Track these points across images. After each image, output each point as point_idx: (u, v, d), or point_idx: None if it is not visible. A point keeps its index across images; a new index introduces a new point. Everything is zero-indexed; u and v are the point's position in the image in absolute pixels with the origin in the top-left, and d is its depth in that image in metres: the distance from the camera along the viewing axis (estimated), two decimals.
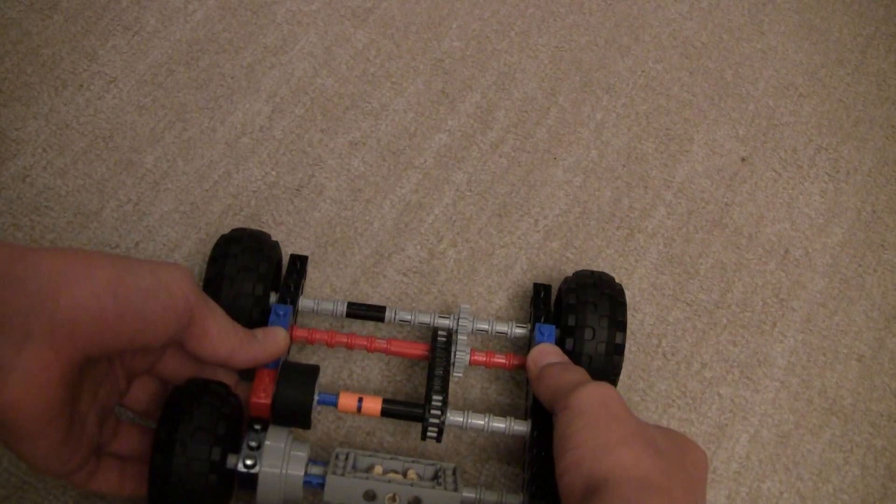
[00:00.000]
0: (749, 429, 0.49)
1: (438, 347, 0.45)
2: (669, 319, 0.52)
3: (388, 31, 0.59)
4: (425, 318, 0.46)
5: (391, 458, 0.42)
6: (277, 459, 0.39)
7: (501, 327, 0.46)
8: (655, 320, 0.52)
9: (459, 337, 0.45)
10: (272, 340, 0.41)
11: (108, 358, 0.38)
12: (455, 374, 0.44)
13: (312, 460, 0.41)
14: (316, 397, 0.41)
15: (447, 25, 0.60)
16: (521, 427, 0.42)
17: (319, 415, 0.47)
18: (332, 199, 0.53)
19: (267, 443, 0.39)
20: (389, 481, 0.40)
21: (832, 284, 0.55)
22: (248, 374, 0.42)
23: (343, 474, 0.39)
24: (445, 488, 0.40)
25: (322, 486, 0.39)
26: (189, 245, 0.50)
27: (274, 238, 0.46)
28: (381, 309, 0.46)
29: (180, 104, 0.54)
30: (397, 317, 0.46)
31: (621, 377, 0.50)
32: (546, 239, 0.53)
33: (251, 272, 0.43)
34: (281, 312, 0.43)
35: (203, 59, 0.56)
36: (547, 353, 0.42)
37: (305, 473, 0.40)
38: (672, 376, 0.50)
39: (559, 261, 0.52)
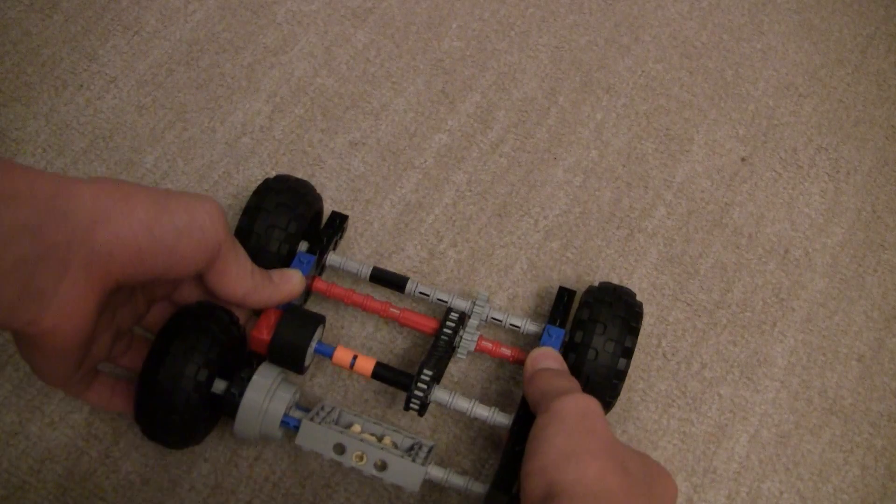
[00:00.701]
0: (749, 429, 0.49)
1: (447, 326, 0.45)
2: (669, 319, 0.52)
3: (388, 31, 0.59)
4: (444, 297, 0.46)
5: (374, 423, 0.42)
6: (261, 393, 0.40)
7: (516, 321, 0.46)
8: (655, 320, 0.52)
9: (471, 321, 0.46)
10: (286, 282, 0.42)
11: (133, 285, 0.39)
12: (458, 355, 0.45)
13: (299, 406, 0.42)
14: (314, 344, 0.42)
15: (447, 25, 0.60)
16: (503, 419, 0.42)
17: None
18: (332, 198, 0.53)
19: (255, 376, 0.41)
20: (361, 440, 0.40)
21: (832, 284, 0.55)
22: (260, 311, 0.43)
23: (320, 423, 0.40)
24: (414, 460, 0.40)
25: (297, 428, 0.40)
26: None
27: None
28: (404, 279, 0.47)
29: (180, 104, 0.54)
30: (417, 289, 0.47)
31: None
32: (546, 239, 0.53)
33: (289, 210, 0.44)
34: (304, 260, 0.45)
35: (203, 59, 0.56)
36: (545, 357, 0.42)
37: (285, 413, 0.41)
38: (672, 376, 0.50)
39: (559, 261, 0.52)
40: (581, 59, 0.60)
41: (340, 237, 0.50)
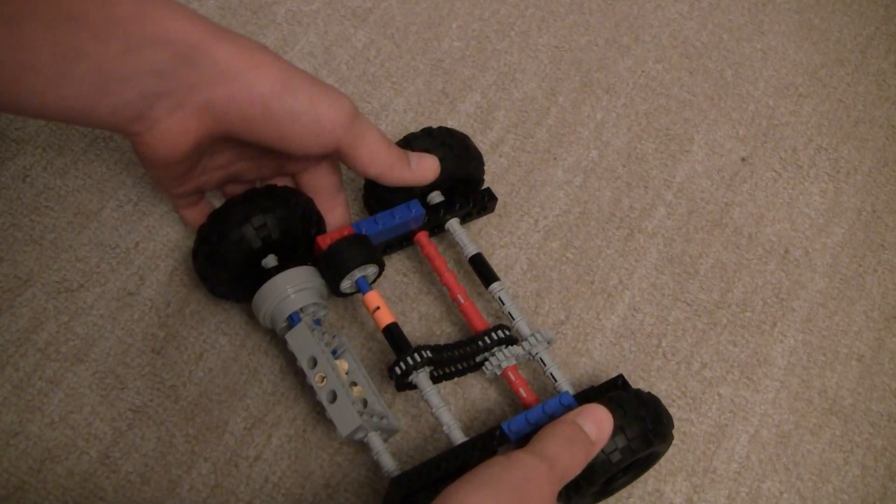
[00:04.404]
0: (749, 429, 0.49)
1: (489, 336, 0.44)
2: (669, 319, 0.52)
3: (388, 31, 0.59)
4: (515, 313, 0.46)
5: (364, 376, 0.43)
6: (292, 282, 0.43)
7: (557, 374, 0.44)
8: (655, 320, 0.52)
9: (514, 348, 0.44)
10: (421, 167, 0.45)
11: (260, 148, 0.42)
12: (485, 372, 0.45)
13: (317, 320, 0.44)
14: (357, 274, 0.44)
15: (447, 25, 0.60)
16: (456, 435, 0.41)
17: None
18: None
19: (298, 268, 0.43)
20: (334, 368, 0.41)
21: (832, 284, 0.55)
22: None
23: (313, 332, 0.42)
24: (362, 409, 0.41)
25: (291, 327, 0.42)
26: (189, 245, 0.49)
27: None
28: (495, 278, 0.47)
29: None
30: (500, 293, 0.46)
31: None
32: (546, 239, 0.53)
33: (448, 150, 0.47)
34: (412, 208, 0.46)
35: None
36: (594, 420, 0.39)
37: (299, 310, 0.43)
38: (672, 376, 0.50)
39: (559, 261, 0.52)
40: (581, 59, 0.60)
41: (475, 212, 0.50)
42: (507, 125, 0.57)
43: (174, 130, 0.39)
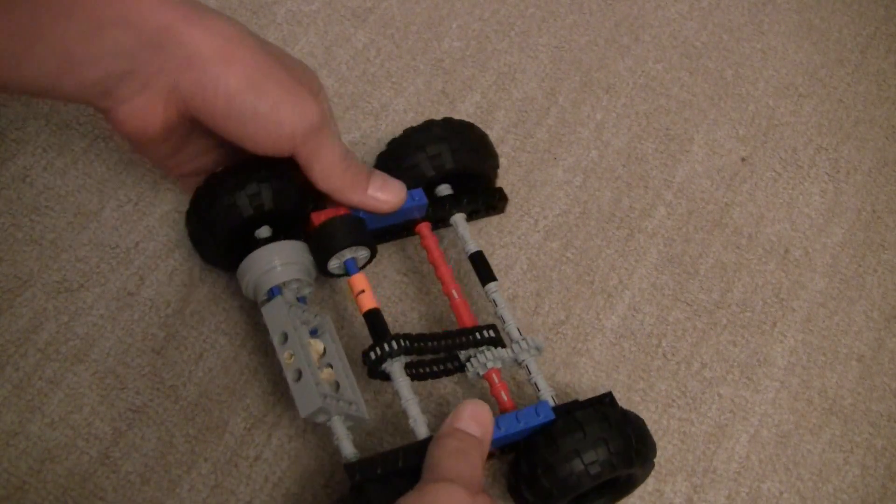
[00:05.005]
0: (749, 429, 0.49)
1: (474, 333, 0.43)
2: (669, 319, 0.52)
3: (388, 31, 0.59)
4: (508, 317, 0.44)
5: (339, 359, 0.42)
6: (279, 255, 0.43)
7: (541, 384, 0.43)
8: (655, 320, 0.52)
9: (500, 350, 0.43)
10: (383, 194, 0.44)
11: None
12: (469, 374, 0.43)
13: (301, 298, 0.43)
14: (347, 255, 0.43)
15: (447, 25, 0.60)
16: (421, 430, 0.40)
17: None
18: None
19: (287, 241, 0.43)
20: (304, 347, 0.40)
21: (832, 284, 0.55)
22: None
23: (290, 308, 0.41)
24: (327, 394, 0.40)
25: (269, 300, 0.42)
26: (189, 245, 0.49)
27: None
28: (493, 278, 0.46)
29: None
30: (493, 293, 0.45)
31: (621, 377, 0.50)
32: (546, 239, 0.53)
33: (448, 144, 0.46)
34: (416, 197, 0.45)
35: None
36: (473, 419, 0.39)
37: (281, 284, 0.42)
38: (672, 376, 0.50)
39: (559, 261, 0.52)
40: (581, 59, 0.60)
41: (484, 210, 0.49)
42: (507, 125, 0.57)
43: (142, 110, 0.39)
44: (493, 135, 0.56)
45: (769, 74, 0.62)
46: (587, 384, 0.49)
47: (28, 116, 0.52)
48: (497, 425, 0.40)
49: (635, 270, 0.53)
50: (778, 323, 0.53)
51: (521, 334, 0.44)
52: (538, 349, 0.43)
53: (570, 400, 0.43)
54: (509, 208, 0.53)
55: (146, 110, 0.39)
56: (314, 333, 0.43)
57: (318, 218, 0.44)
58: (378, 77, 0.57)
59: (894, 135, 0.61)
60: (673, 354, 0.51)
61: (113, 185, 0.51)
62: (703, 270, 0.54)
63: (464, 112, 0.56)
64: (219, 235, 0.43)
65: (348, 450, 0.40)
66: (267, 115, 0.39)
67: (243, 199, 0.42)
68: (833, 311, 0.54)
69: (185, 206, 0.51)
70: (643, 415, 0.49)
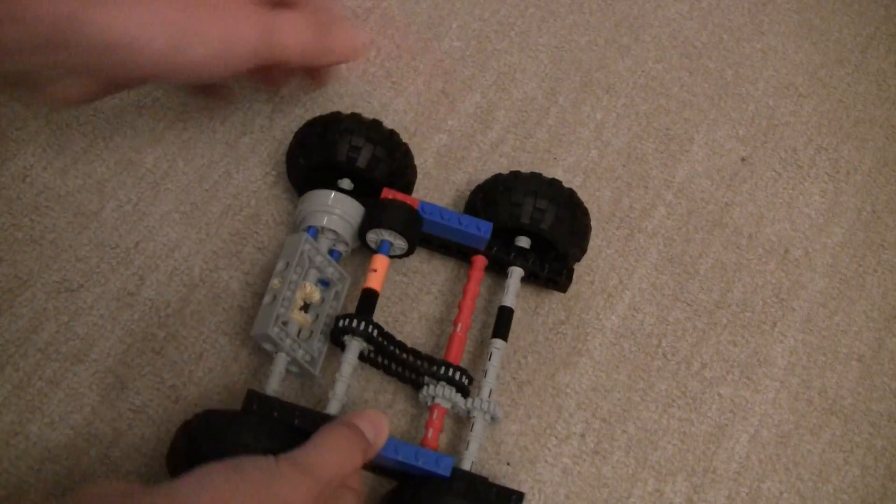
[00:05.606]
0: (749, 429, 0.49)
1: (439, 368, 0.43)
2: (669, 319, 0.52)
3: (388, 31, 0.59)
4: (491, 376, 0.44)
5: (334, 311, 0.45)
6: (334, 204, 0.46)
7: (473, 446, 0.43)
8: (655, 320, 0.52)
9: (456, 396, 0.43)
10: (337, 40, 0.44)
11: None
12: (421, 394, 0.44)
13: (335, 253, 0.46)
14: (384, 237, 0.46)
15: (447, 25, 0.60)
16: (333, 407, 0.42)
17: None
18: None
19: (350, 197, 0.46)
20: (293, 282, 0.43)
21: (832, 284, 0.55)
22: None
23: (309, 247, 0.43)
24: (285, 330, 0.42)
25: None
26: (189, 245, 0.49)
27: (278, 237, 0.46)
28: (503, 336, 0.46)
29: (180, 104, 0.54)
30: (492, 348, 0.45)
31: (621, 377, 0.50)
32: None
33: (556, 210, 0.47)
34: (482, 228, 0.46)
35: None
36: (373, 425, 0.39)
37: (321, 228, 0.45)
38: (672, 376, 0.50)
39: None
40: (581, 59, 0.60)
41: (543, 280, 0.49)
42: (507, 125, 0.57)
43: (64, 92, 0.39)
44: (493, 135, 0.56)
45: (769, 74, 0.62)
46: (587, 384, 0.49)
47: (28, 116, 0.52)
48: (396, 448, 0.41)
49: (635, 270, 0.53)
50: (778, 323, 0.53)
51: (488, 396, 0.44)
52: (493, 418, 0.44)
53: (484, 476, 0.42)
54: None
55: (70, 92, 0.39)
56: (324, 285, 0.45)
57: (387, 193, 0.46)
58: (378, 77, 0.57)
59: (894, 135, 0.61)
60: (673, 354, 0.51)
61: (113, 185, 0.51)
62: (703, 270, 0.54)
63: (464, 112, 0.56)
64: (309, 160, 0.47)
65: (272, 385, 0.42)
66: (210, 57, 0.38)
67: (345, 145, 0.46)
68: (833, 311, 0.54)
69: (185, 206, 0.51)
70: (643, 415, 0.49)
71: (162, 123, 0.53)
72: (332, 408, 0.42)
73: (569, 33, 0.61)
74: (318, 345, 0.43)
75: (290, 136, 0.55)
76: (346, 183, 0.47)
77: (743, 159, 0.58)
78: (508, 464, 0.46)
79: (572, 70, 0.59)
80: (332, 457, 0.37)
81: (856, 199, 0.58)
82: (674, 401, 0.49)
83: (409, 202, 0.46)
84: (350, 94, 0.56)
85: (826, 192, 0.58)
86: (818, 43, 0.64)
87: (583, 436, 0.48)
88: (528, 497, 0.46)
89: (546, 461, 0.47)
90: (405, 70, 0.58)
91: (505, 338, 0.46)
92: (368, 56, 0.58)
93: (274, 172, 0.53)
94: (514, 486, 0.46)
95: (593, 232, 0.54)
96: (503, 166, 0.55)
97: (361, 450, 0.38)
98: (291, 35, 0.42)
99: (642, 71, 0.60)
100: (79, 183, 0.50)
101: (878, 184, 0.59)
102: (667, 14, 0.63)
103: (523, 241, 0.48)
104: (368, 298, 0.45)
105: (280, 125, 0.54)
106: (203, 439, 0.38)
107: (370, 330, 0.43)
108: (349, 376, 0.43)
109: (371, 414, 0.40)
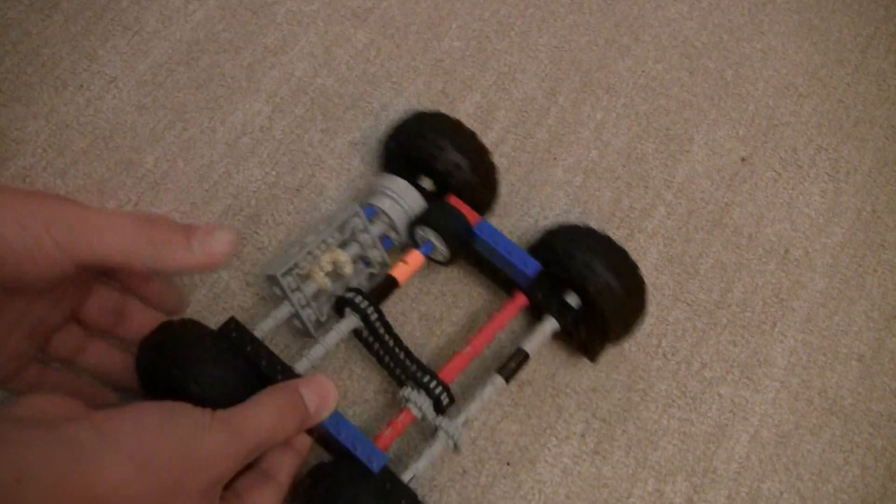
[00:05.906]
0: (749, 429, 0.49)
1: (422, 378, 0.43)
2: (669, 319, 0.52)
3: (388, 31, 0.59)
4: (475, 407, 0.44)
5: (361, 283, 0.46)
6: (405, 194, 0.47)
7: (422, 464, 0.41)
8: (655, 320, 0.52)
9: (429, 409, 0.43)
10: (210, 245, 0.37)
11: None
12: (399, 393, 0.44)
13: (387, 239, 0.47)
14: (429, 238, 0.46)
15: (447, 25, 0.60)
16: (301, 366, 0.42)
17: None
18: (333, 199, 0.53)
19: (418, 192, 0.47)
20: (325, 241, 0.44)
21: (832, 284, 0.55)
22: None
23: (357, 218, 0.45)
24: (297, 281, 0.42)
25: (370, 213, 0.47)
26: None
27: (278, 237, 0.46)
28: (508, 378, 0.45)
29: (180, 104, 0.54)
30: (491, 381, 0.44)
31: (621, 377, 0.50)
32: None
33: (617, 278, 0.45)
34: (529, 265, 0.46)
35: (203, 59, 0.56)
36: (318, 395, 0.39)
37: (380, 210, 0.46)
38: (672, 376, 0.50)
39: None
40: (581, 59, 0.60)
41: (574, 341, 0.48)
42: (507, 125, 0.57)
43: None
44: (492, 135, 0.56)
45: (769, 74, 0.62)
46: (587, 384, 0.49)
47: (28, 116, 0.52)
48: (338, 426, 0.40)
49: None
50: (778, 323, 0.53)
51: (461, 424, 0.43)
52: (455, 445, 0.43)
53: (415, 493, 0.40)
54: (509, 208, 0.53)
55: None
56: (366, 263, 0.46)
57: (452, 200, 0.47)
58: (378, 77, 0.57)
59: (894, 135, 0.61)
60: (673, 354, 0.51)
61: (113, 185, 0.51)
62: (703, 270, 0.54)
63: (464, 112, 0.56)
64: (398, 146, 0.48)
65: (263, 327, 0.42)
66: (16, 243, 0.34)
67: (432, 146, 0.47)
68: (833, 311, 0.54)
69: (185, 206, 0.51)
70: (643, 415, 0.49)
71: (162, 123, 0.54)
72: (301, 366, 0.42)
73: (569, 33, 0.61)
74: (326, 306, 0.44)
75: (291, 136, 0.55)
76: (426, 182, 0.48)
77: (743, 159, 0.58)
78: (508, 464, 0.46)
79: (572, 70, 0.59)
80: (266, 421, 0.36)
81: (856, 199, 0.58)
82: (674, 401, 0.49)
83: (468, 215, 0.47)
84: (350, 95, 0.56)
85: (826, 192, 0.58)
86: (818, 43, 0.64)
87: (583, 436, 0.48)
88: (528, 497, 0.46)
89: (546, 461, 0.47)
90: (405, 70, 0.58)
91: (508, 379, 0.44)
92: (368, 56, 0.58)
93: (274, 172, 0.53)
94: (514, 486, 0.46)
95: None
96: (503, 166, 0.55)
97: (299, 418, 0.38)
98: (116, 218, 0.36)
99: (642, 71, 0.60)
100: (79, 183, 0.50)
101: (878, 184, 0.59)
102: (667, 14, 0.63)
103: (573, 299, 0.46)
104: (386, 285, 0.45)
105: (280, 126, 0.54)
106: (171, 341, 0.38)
107: (369, 311, 0.44)
108: (331, 345, 0.43)
109: (320, 382, 0.39)
